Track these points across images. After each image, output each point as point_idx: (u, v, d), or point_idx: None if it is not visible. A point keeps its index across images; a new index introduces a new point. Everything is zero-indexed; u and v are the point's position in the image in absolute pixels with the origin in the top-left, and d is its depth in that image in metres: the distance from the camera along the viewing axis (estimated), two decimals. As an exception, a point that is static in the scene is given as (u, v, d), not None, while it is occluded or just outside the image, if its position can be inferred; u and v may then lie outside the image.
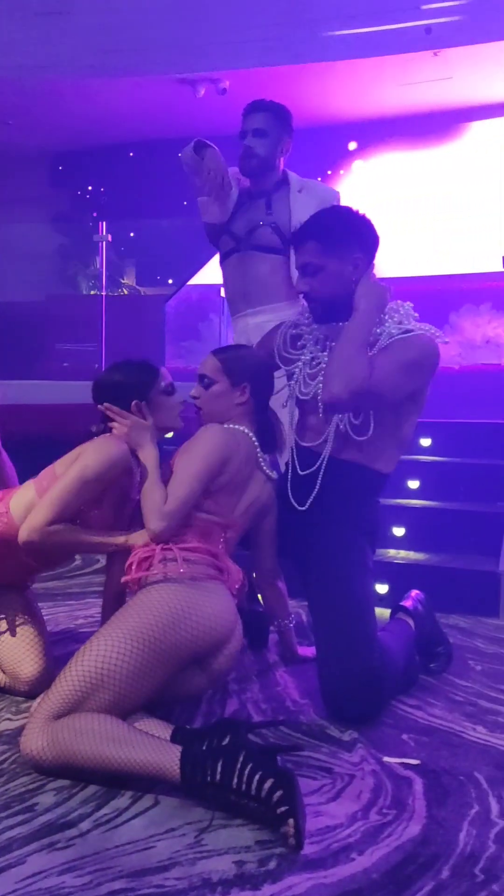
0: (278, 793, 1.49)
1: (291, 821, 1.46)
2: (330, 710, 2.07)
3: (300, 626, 2.75)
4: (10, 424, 2.92)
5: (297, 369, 2.30)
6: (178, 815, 1.58)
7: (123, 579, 1.96)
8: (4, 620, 2.24)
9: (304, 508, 2.24)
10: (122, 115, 8.14)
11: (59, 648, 2.55)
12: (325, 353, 2.22)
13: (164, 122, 8.17)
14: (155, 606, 1.82)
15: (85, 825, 1.54)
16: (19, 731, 1.99)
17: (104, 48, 7.16)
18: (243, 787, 1.52)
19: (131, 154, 8.97)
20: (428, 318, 2.28)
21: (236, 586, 2.01)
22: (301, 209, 2.81)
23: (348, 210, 2.26)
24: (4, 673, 2.21)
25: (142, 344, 6.60)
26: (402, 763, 1.84)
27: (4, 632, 2.22)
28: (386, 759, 1.86)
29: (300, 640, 2.54)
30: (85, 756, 1.63)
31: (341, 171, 8.07)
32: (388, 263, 6.42)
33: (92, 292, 9.52)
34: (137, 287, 9.69)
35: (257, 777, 1.52)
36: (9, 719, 2.07)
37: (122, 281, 9.26)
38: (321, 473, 2.23)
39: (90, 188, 9.43)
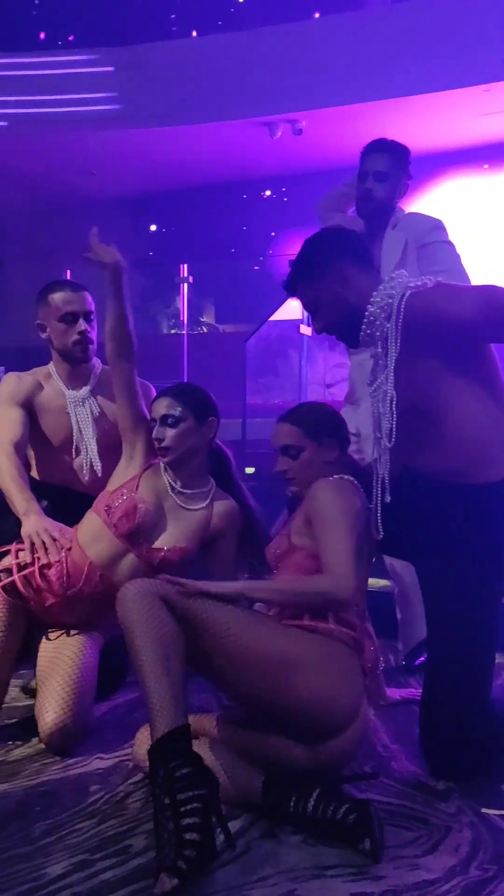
0: (353, 815, 1.59)
1: (368, 840, 1.56)
2: (430, 764, 1.97)
3: (388, 669, 2.69)
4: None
5: None
6: (270, 863, 1.56)
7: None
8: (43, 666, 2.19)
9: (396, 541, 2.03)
10: (199, 160, 8.38)
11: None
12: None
13: (239, 164, 8.36)
14: (295, 643, 1.75)
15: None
16: (111, 769, 2.00)
17: (180, 97, 7.41)
18: (318, 814, 1.62)
19: (209, 198, 9.20)
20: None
21: (369, 665, 1.86)
22: (390, 248, 2.78)
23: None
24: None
25: (223, 381, 6.70)
26: (502, 815, 1.76)
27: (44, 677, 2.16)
28: (484, 810, 1.79)
29: (388, 682, 2.48)
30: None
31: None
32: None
33: (172, 331, 9.75)
34: (216, 325, 9.88)
35: (332, 805, 1.62)
36: (100, 758, 2.08)
37: (202, 319, 9.46)
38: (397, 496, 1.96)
39: (169, 230, 9.71)
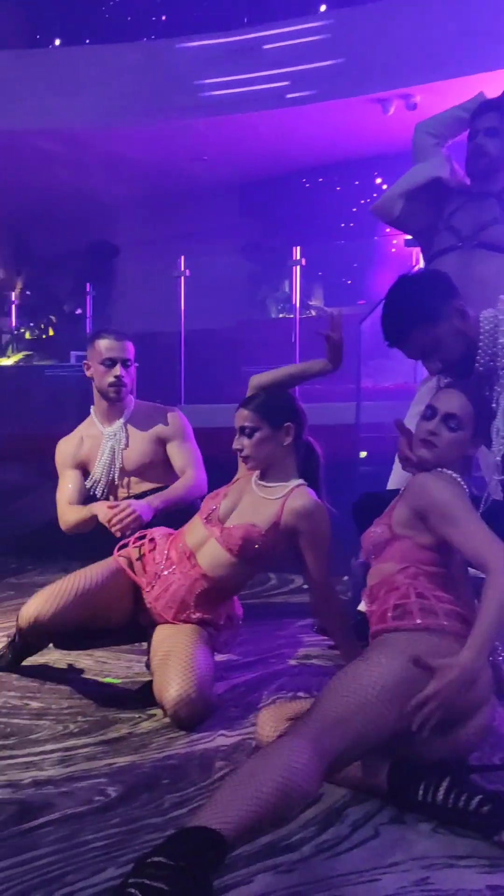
0: (487, 806, 1.55)
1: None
2: None
3: None
4: (204, 448, 3.06)
5: None
6: (401, 849, 1.54)
7: (375, 628, 1.87)
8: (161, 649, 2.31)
9: None
10: (310, 141, 8.30)
11: (258, 669, 2.58)
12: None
13: (355, 142, 8.23)
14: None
15: (306, 850, 1.53)
16: (235, 746, 2.03)
17: (294, 78, 7.36)
18: (450, 803, 1.59)
19: (320, 179, 9.11)
20: None
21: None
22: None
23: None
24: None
25: (335, 364, 6.62)
26: None
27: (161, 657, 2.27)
28: None
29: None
30: None
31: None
32: None
33: (281, 315, 9.75)
34: (325, 308, 9.80)
35: (465, 796, 1.59)
36: (223, 735, 2.12)
37: (311, 303, 9.40)
38: None
39: (279, 214, 9.68)
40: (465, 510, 1.84)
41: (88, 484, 3.03)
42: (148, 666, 2.64)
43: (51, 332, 10.22)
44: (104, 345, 2.97)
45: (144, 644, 2.52)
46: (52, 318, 10.51)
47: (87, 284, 8.60)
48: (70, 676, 2.67)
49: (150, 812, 1.69)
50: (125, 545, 2.53)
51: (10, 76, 8.03)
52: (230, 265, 9.43)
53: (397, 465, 2.80)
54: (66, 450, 3.05)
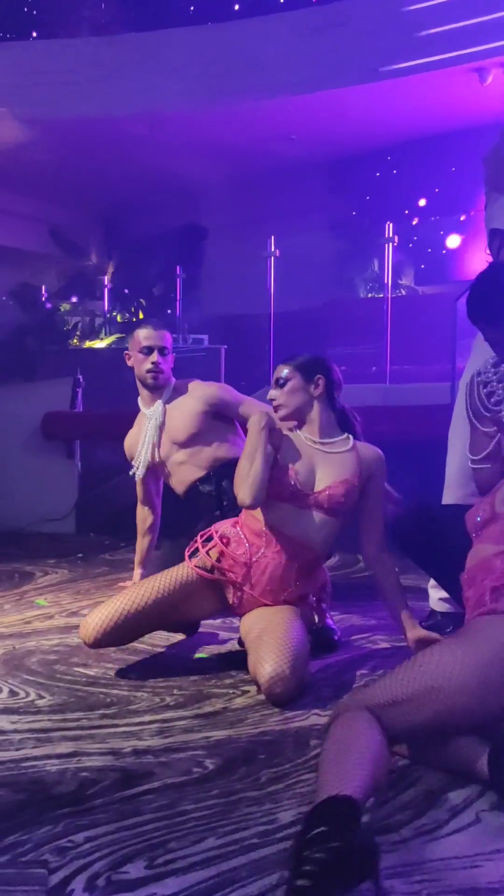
0: None
1: None
2: None
3: None
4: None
5: None
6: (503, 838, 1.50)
7: (472, 614, 1.82)
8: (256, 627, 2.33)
9: None
10: (403, 115, 8.10)
11: (351, 650, 2.57)
12: None
13: (448, 115, 7.99)
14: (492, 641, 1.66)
15: (406, 832, 1.52)
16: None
17: (385, 51, 7.18)
18: None
19: (410, 155, 8.89)
20: None
21: None
22: None
23: None
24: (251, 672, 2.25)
25: (426, 344, 6.48)
26: None
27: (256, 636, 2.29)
28: None
29: None
30: None
31: None
32: None
33: (369, 295, 9.60)
34: (415, 287, 9.58)
35: None
36: (317, 714, 2.12)
37: (400, 282, 9.22)
38: None
39: (369, 191, 9.51)
40: None
41: (135, 463, 3.19)
42: (241, 642, 2.68)
43: (140, 315, 10.40)
44: (143, 334, 3.16)
45: (237, 620, 2.55)
46: (142, 301, 10.68)
47: (178, 267, 8.69)
48: (165, 650, 2.73)
49: (248, 785, 1.71)
50: (195, 550, 2.50)
51: (99, 62, 8.15)
52: (318, 243, 9.34)
53: (452, 471, 2.72)
54: (127, 443, 3.28)
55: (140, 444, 3.17)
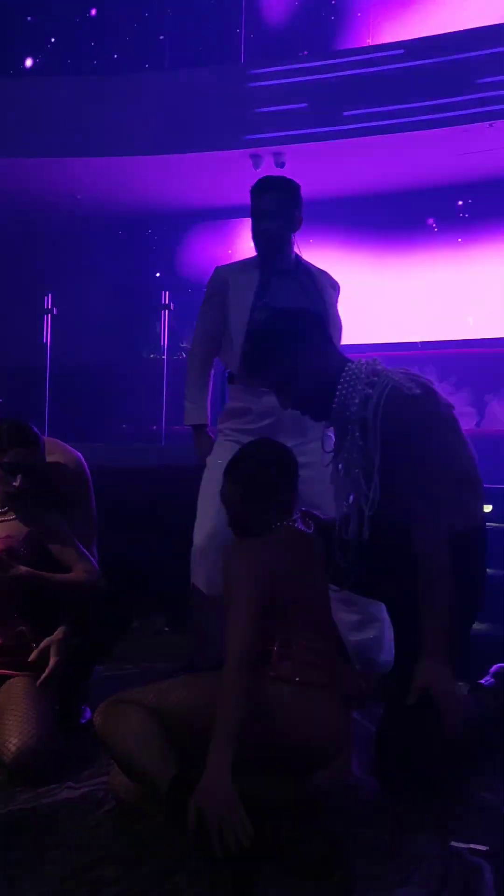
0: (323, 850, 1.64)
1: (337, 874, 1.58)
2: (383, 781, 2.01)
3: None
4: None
5: None
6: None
7: None
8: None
9: None
10: (184, 189, 8.28)
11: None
12: None
13: (228, 195, 8.30)
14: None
15: None
16: (82, 798, 1.96)
17: (162, 129, 7.37)
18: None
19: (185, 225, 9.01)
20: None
21: (348, 693, 1.92)
22: None
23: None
24: None
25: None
26: (470, 849, 1.76)
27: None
28: (454, 843, 1.78)
29: None
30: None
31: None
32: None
33: (151, 356, 9.64)
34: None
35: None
36: (70, 787, 2.04)
37: (182, 345, 9.36)
38: None
39: (154, 259, 9.49)
40: None
41: None
42: None
43: None
44: None
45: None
46: None
47: None
48: None
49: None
50: None
51: None
52: (101, 304, 9.32)
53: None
54: None
55: None
